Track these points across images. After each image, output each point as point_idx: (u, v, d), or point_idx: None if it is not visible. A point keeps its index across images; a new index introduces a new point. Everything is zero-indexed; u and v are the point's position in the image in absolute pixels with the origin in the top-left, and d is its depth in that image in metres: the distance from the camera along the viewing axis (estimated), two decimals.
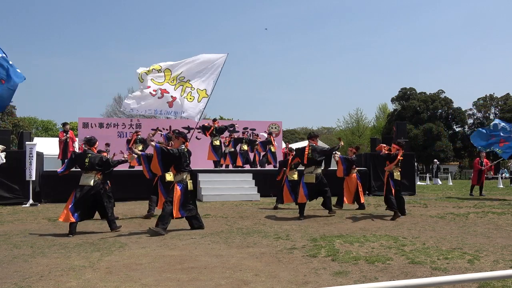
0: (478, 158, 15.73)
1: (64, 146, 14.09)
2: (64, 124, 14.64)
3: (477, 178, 15.29)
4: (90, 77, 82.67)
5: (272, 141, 15.95)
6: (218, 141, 14.80)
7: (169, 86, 12.78)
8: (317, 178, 8.97)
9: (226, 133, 15.96)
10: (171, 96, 12.63)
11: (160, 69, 12.82)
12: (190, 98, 13.13)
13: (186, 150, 7.50)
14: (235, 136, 16.04)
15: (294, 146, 22.00)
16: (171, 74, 12.99)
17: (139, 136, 15.28)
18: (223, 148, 15.31)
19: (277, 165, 15.31)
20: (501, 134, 13.63)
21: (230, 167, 15.40)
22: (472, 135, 14.91)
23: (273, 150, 15.82)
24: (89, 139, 7.76)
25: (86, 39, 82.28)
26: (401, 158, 9.06)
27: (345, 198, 10.59)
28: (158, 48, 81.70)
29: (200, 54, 13.50)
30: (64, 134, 14.22)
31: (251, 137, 17.11)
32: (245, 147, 15.78)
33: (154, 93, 12.26)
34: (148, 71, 12.57)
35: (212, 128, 14.74)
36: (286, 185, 10.64)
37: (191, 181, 7.46)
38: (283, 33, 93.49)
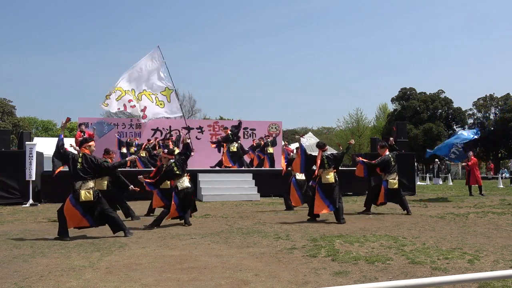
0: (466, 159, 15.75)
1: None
2: (80, 125, 15.09)
3: (468, 178, 15.31)
4: (90, 77, 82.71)
5: (265, 143, 16.08)
6: (235, 147, 14.69)
7: (135, 100, 15.08)
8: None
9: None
10: (143, 106, 15.22)
11: (124, 91, 15.11)
12: (160, 104, 15.27)
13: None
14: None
15: (293, 146, 22.00)
16: (135, 93, 15.25)
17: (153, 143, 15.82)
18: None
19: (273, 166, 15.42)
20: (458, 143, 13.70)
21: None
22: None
23: (270, 151, 15.87)
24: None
25: (86, 39, 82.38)
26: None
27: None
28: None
29: (136, 63, 15.44)
30: (82, 134, 14.25)
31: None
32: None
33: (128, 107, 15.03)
34: (108, 95, 15.05)
35: (227, 135, 14.82)
36: (293, 185, 10.10)
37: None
38: (283, 33, 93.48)
